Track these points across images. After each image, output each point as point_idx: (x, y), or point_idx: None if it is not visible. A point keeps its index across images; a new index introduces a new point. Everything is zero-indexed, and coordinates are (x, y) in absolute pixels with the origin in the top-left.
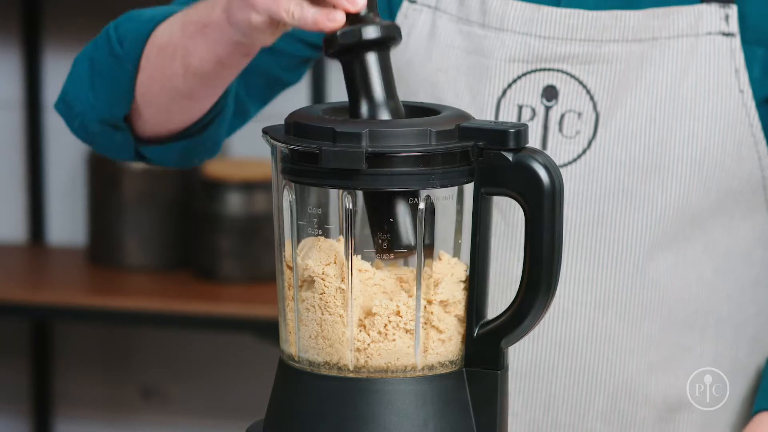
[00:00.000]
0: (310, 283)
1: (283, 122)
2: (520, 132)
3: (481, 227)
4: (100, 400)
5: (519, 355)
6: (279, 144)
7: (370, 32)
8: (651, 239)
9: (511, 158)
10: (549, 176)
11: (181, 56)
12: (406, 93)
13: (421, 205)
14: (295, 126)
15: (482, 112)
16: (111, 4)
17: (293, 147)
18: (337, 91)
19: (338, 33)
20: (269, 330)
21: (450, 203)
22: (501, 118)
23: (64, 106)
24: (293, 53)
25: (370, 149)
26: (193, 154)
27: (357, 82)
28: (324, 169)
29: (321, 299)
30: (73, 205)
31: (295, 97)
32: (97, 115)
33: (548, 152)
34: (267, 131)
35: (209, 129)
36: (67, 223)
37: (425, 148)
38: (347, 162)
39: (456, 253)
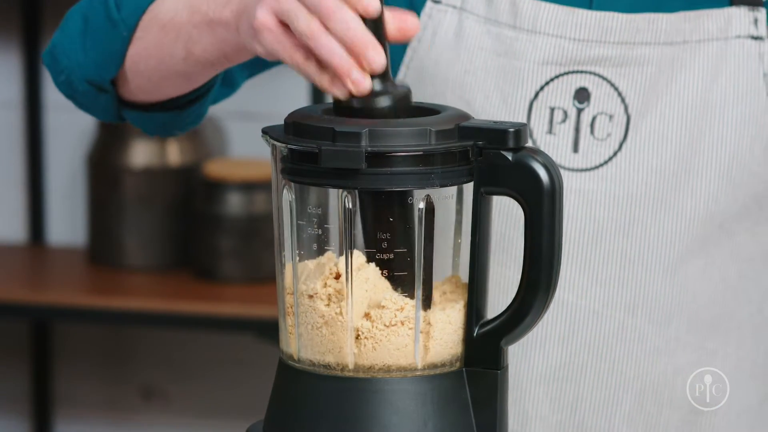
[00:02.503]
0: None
1: (282, 122)
2: (520, 131)
3: (481, 227)
4: (100, 400)
5: (548, 358)
6: (279, 144)
7: (382, 102)
8: (681, 243)
9: (510, 158)
10: (549, 176)
11: (184, 41)
12: (433, 94)
13: (421, 205)
14: (295, 126)
15: (514, 114)
16: None
17: (293, 147)
18: None
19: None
20: (269, 330)
21: (450, 203)
22: (533, 121)
23: (51, 58)
24: None
25: (369, 149)
26: (175, 126)
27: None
28: (324, 168)
29: (323, 294)
30: (73, 205)
31: (295, 97)
32: (84, 74)
33: (580, 154)
34: (267, 131)
35: (195, 105)
36: (67, 223)
37: (425, 148)
38: (347, 162)
39: (456, 253)
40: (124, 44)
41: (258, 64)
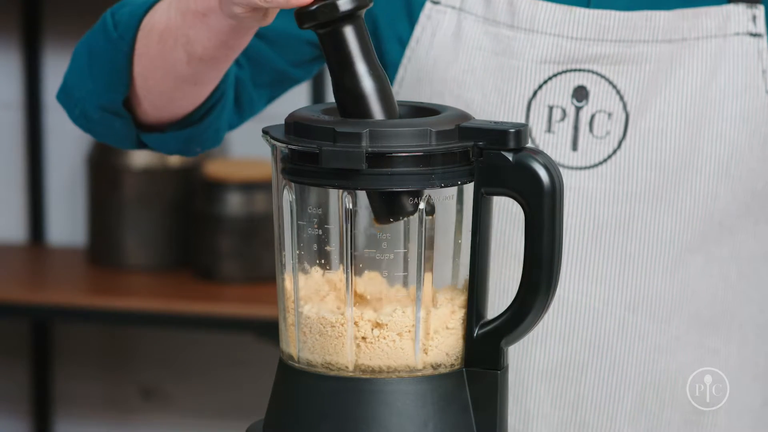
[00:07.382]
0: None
1: (283, 122)
2: (520, 132)
3: (481, 227)
4: (100, 400)
5: (549, 356)
6: (279, 144)
7: (344, 5)
8: (681, 240)
9: (511, 158)
10: (549, 176)
11: (182, 44)
12: (431, 93)
13: (422, 205)
14: (295, 126)
15: (512, 113)
16: (111, 4)
17: (293, 147)
18: None
19: (312, 8)
20: (269, 330)
21: (450, 203)
22: (531, 119)
23: (64, 95)
24: (300, 51)
25: (370, 149)
26: (195, 142)
27: (337, 56)
28: (324, 169)
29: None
30: (73, 205)
31: (295, 97)
32: (97, 100)
33: (579, 153)
34: (267, 131)
35: (211, 115)
36: (67, 223)
37: (425, 148)
38: (347, 162)
39: (456, 253)
40: (127, 60)
41: (277, 84)
